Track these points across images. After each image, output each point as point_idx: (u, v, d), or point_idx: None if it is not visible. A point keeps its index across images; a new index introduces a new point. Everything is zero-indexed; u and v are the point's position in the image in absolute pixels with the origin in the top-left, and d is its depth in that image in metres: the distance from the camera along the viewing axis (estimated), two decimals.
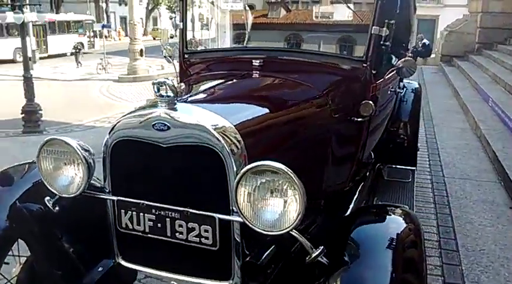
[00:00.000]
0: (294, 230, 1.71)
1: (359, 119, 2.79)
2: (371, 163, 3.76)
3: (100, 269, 2.18)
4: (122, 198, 2.00)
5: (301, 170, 1.94)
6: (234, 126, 1.86)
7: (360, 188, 3.44)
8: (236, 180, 1.69)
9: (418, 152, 6.27)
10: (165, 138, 1.86)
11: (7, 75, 19.76)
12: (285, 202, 1.70)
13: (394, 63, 2.99)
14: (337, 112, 2.72)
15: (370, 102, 2.76)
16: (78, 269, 2.23)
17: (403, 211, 2.18)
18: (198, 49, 3.48)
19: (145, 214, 1.96)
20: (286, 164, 1.68)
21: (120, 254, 2.11)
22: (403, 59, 2.85)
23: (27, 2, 15.41)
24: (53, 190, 2.03)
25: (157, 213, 1.94)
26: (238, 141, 1.84)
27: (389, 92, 3.54)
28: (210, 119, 1.84)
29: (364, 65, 2.80)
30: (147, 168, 1.97)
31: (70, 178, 2.03)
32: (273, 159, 1.73)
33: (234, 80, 2.71)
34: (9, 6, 17.94)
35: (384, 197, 3.69)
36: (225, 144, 1.79)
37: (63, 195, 2.03)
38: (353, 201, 3.21)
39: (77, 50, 24.83)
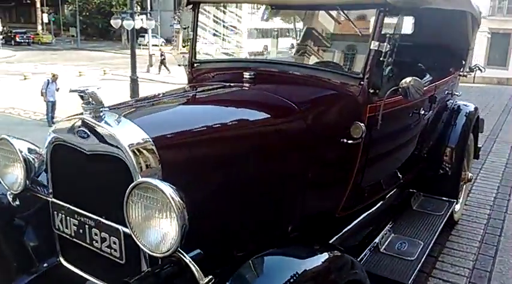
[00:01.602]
0: (186, 255, 1.62)
1: (349, 141, 2.57)
2: (385, 190, 3.43)
3: (45, 265, 2.29)
4: (54, 200, 2.07)
5: (252, 192, 1.95)
6: (153, 140, 1.80)
7: (365, 216, 3.18)
8: (126, 195, 1.65)
9: (486, 182, 5.64)
10: (86, 145, 1.89)
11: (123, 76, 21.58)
12: (170, 224, 1.62)
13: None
14: (320, 131, 2.53)
15: (360, 123, 2.53)
16: (32, 262, 2.33)
17: (332, 253, 2.00)
18: (205, 59, 3.47)
19: (71, 219, 2.01)
20: (225, 185, 1.68)
21: (62, 254, 2.18)
22: (408, 78, 2.56)
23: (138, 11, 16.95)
24: (4, 186, 2.18)
25: (78, 219, 1.98)
26: (154, 157, 1.78)
27: (410, 114, 3.22)
28: (127, 131, 1.81)
29: (361, 82, 2.59)
30: (75, 173, 2.01)
31: (15, 176, 2.15)
32: (207, 179, 1.71)
33: (201, 93, 2.66)
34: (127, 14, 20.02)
35: (397, 229, 3.34)
36: (133, 159, 1.74)
37: (11, 191, 2.16)
38: (348, 229, 2.98)
39: (163, 57, 25.98)
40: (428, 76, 3.56)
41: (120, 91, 15.73)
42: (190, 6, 3.23)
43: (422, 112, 3.31)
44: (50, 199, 2.09)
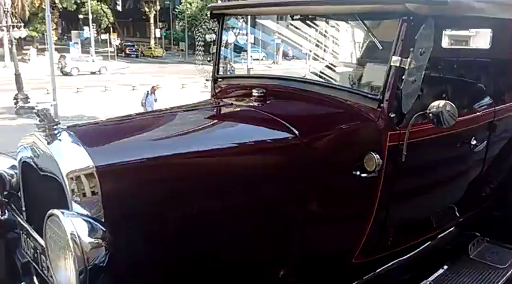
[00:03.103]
0: None
1: (363, 174, 2.12)
2: (427, 233, 2.80)
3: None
4: (19, 219, 2.05)
5: (223, 227, 1.79)
6: (98, 168, 1.66)
7: (396, 263, 2.58)
8: (43, 226, 1.57)
9: None
10: (38, 164, 1.84)
11: None
12: (68, 266, 1.49)
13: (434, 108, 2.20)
14: (325, 161, 2.14)
15: (375, 154, 2.10)
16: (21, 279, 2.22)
17: None
18: (227, 74, 3.34)
19: (29, 241, 2.01)
20: (191, 220, 1.60)
21: (35, 275, 2.09)
22: (440, 102, 2.09)
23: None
24: None
25: (33, 242, 1.88)
26: (94, 185, 1.65)
27: (457, 144, 2.63)
28: (71, 155, 1.70)
29: (381, 105, 2.13)
30: (32, 192, 1.97)
31: None
32: (167, 214, 1.61)
33: (187, 112, 2.49)
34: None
35: (439, 281, 2.67)
36: (68, 186, 1.63)
37: None
38: (370, 280, 2.46)
39: None
40: (487, 99, 2.87)
41: None
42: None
43: (475, 142, 2.67)
44: (18, 218, 2.06)
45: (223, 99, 2.75)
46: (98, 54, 42.21)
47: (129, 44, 52.47)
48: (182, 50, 52.33)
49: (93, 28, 45.65)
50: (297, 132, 2.12)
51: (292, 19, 3.40)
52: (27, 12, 35.98)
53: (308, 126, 2.25)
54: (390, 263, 2.60)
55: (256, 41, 30.08)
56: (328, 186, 2.23)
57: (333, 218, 2.28)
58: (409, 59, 2.11)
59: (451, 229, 3.02)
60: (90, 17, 44.24)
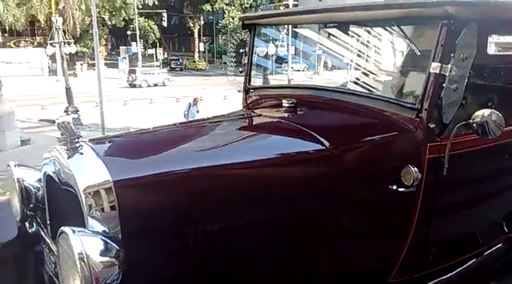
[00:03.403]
0: None
1: (400, 189, 2.00)
2: (474, 249, 2.63)
3: None
4: (42, 232, 2.06)
5: (250, 246, 1.73)
6: (116, 182, 1.62)
7: (436, 282, 2.43)
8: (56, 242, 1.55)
9: None
10: (59, 177, 1.82)
11: None
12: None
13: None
14: (358, 175, 2.03)
15: (412, 168, 1.98)
16: None
17: None
18: (260, 85, 3.25)
19: (50, 256, 1.93)
20: (216, 237, 1.54)
21: None
22: (486, 111, 1.95)
23: None
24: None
25: (54, 258, 1.85)
26: (112, 201, 1.60)
27: (507, 155, 2.47)
28: (90, 170, 1.66)
29: (420, 114, 2.01)
30: (54, 206, 1.96)
31: (15, 204, 2.19)
32: (190, 230, 1.55)
33: (213, 124, 2.44)
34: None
35: None
36: (84, 201, 1.59)
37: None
38: None
39: None
40: None
41: None
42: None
43: None
44: (42, 232, 2.06)
45: (254, 110, 2.69)
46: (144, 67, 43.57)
47: (174, 58, 53.98)
48: (225, 63, 53.05)
49: (141, 43, 47.23)
50: (327, 144, 2.03)
51: (326, 27, 3.24)
52: (78, 30, 37.64)
53: (339, 137, 2.16)
54: (431, 282, 2.44)
55: (297, 52, 30.01)
56: (362, 201, 2.11)
57: (367, 235, 2.16)
58: (449, 66, 1.99)
59: (499, 245, 2.84)
60: (138, 33, 45.71)
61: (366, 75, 3.57)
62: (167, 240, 1.63)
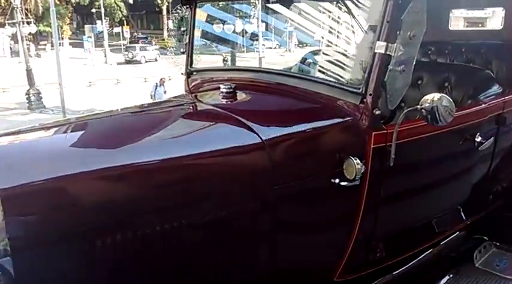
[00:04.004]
0: None
1: (343, 183, 1.83)
2: (424, 243, 2.49)
3: None
4: None
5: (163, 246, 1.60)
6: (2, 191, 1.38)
7: (388, 276, 2.30)
8: None
9: None
10: None
11: None
12: None
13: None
14: (293, 168, 1.85)
15: (354, 160, 1.80)
16: None
17: None
18: (202, 67, 2.97)
19: None
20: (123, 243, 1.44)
21: None
22: (435, 95, 1.76)
23: None
24: None
25: None
26: None
27: (459, 142, 2.31)
28: None
29: (364, 99, 1.82)
30: None
31: None
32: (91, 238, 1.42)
33: (140, 113, 2.22)
34: None
35: None
36: None
37: None
38: None
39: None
40: (496, 87, 2.52)
41: None
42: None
43: (480, 139, 2.33)
44: None
45: (192, 96, 2.51)
46: (110, 47, 42.36)
47: (142, 36, 52.75)
48: None
49: (107, 21, 45.73)
50: (260, 134, 1.83)
51: (269, 2, 3.02)
52: (40, 8, 36.08)
53: (274, 127, 1.96)
54: (382, 278, 2.30)
55: (269, 28, 29.64)
56: (302, 195, 1.92)
57: (308, 231, 2.01)
58: (395, 45, 1.80)
59: (457, 233, 2.73)
60: (103, 10, 44.25)
61: (325, 54, 3.35)
62: (63, 251, 1.44)
